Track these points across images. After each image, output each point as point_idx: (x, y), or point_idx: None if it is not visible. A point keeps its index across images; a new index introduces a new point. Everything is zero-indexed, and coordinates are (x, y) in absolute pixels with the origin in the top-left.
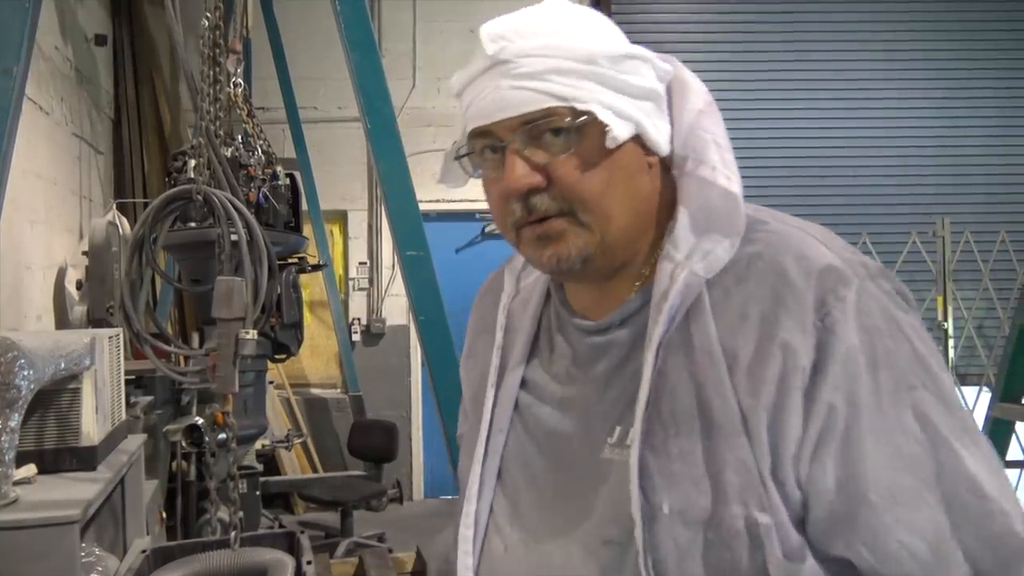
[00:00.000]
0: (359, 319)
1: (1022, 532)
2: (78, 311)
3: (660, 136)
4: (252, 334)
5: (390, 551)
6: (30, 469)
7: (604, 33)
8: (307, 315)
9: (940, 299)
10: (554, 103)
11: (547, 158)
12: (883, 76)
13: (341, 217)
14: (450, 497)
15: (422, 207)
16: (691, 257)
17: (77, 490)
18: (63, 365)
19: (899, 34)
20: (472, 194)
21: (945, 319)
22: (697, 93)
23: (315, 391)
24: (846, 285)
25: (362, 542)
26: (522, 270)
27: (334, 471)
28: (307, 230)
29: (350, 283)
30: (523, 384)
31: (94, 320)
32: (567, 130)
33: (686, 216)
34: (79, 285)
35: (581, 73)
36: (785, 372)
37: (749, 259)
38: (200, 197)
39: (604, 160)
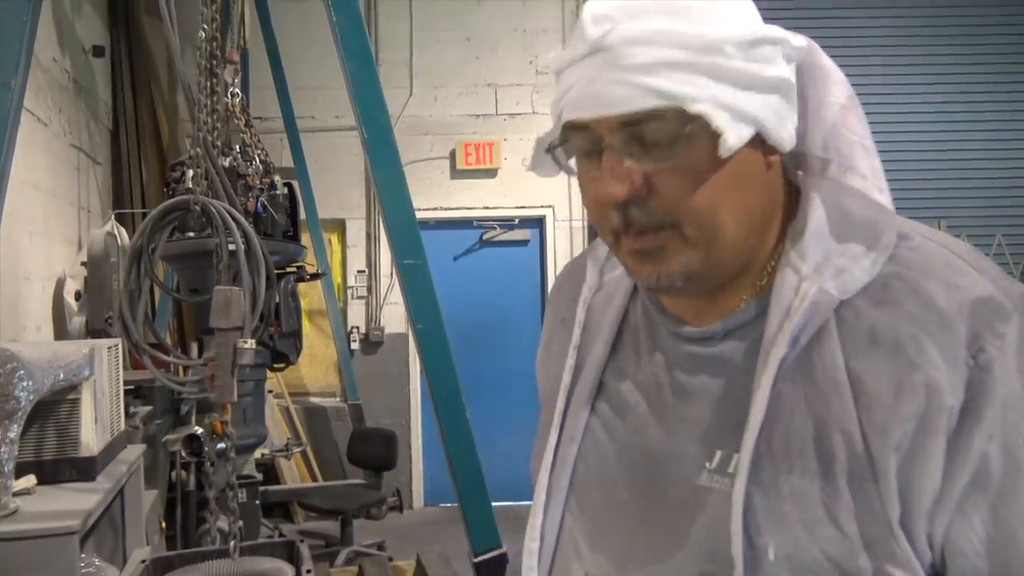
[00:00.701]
0: (358, 327)
1: None
2: (77, 322)
3: (786, 133)
4: (250, 343)
5: (390, 559)
6: (29, 480)
7: (733, 8)
8: (306, 324)
9: None
10: (661, 103)
11: (650, 164)
12: (881, 79)
13: (339, 226)
14: (449, 505)
15: (419, 215)
16: (821, 272)
17: (76, 500)
18: (62, 376)
19: (898, 38)
20: (469, 201)
21: None
22: (839, 84)
23: (314, 400)
24: (1005, 320)
25: (362, 551)
26: (607, 260)
27: (334, 480)
28: (305, 239)
29: (349, 291)
30: (602, 390)
31: (93, 331)
32: (674, 135)
33: (818, 223)
34: (78, 296)
35: (697, 67)
36: (927, 412)
37: (886, 279)
38: (198, 207)
39: (715, 169)
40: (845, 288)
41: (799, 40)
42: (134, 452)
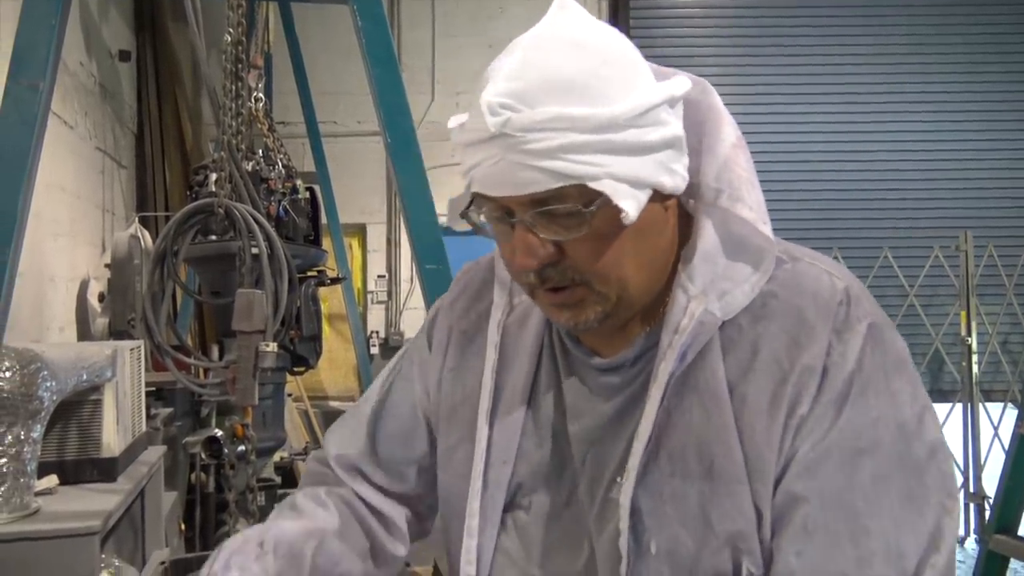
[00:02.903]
0: (377, 332)
1: None
2: (100, 323)
3: (680, 179)
4: (272, 347)
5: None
6: (51, 480)
7: (623, 78)
8: (326, 328)
9: (963, 314)
10: (564, 183)
11: (560, 235)
12: (907, 91)
13: (360, 230)
14: None
15: (441, 221)
16: (707, 293)
17: (98, 501)
18: (85, 377)
19: (924, 47)
20: None
21: (969, 334)
22: (730, 125)
23: (333, 403)
24: (860, 319)
25: None
26: (513, 285)
27: None
28: (326, 243)
29: (369, 296)
30: (526, 414)
31: (116, 332)
32: (579, 211)
33: (707, 248)
34: (101, 298)
35: (593, 146)
36: (794, 408)
37: (764, 298)
38: (221, 210)
39: (619, 231)
40: (728, 309)
41: (685, 85)
42: (155, 454)
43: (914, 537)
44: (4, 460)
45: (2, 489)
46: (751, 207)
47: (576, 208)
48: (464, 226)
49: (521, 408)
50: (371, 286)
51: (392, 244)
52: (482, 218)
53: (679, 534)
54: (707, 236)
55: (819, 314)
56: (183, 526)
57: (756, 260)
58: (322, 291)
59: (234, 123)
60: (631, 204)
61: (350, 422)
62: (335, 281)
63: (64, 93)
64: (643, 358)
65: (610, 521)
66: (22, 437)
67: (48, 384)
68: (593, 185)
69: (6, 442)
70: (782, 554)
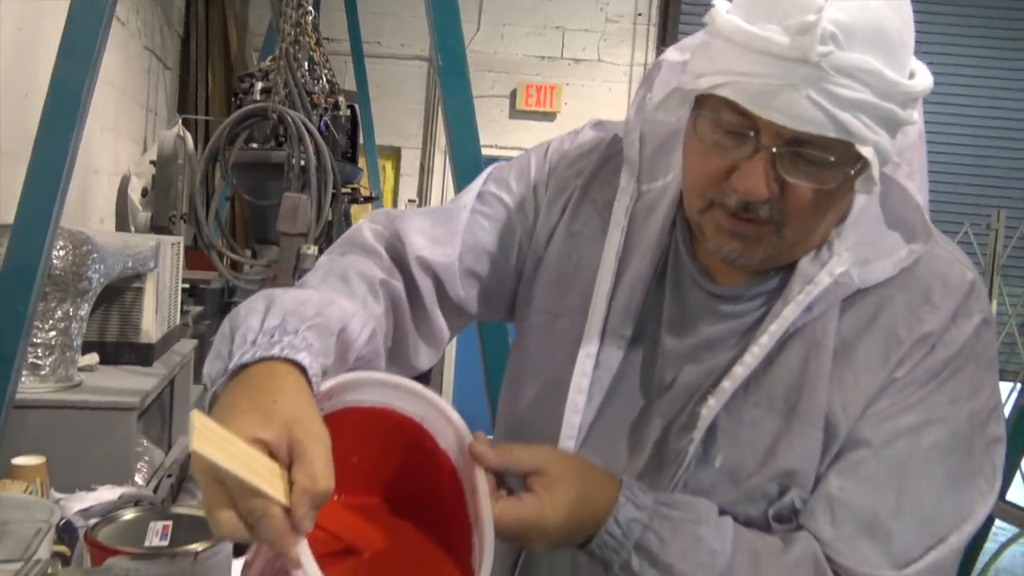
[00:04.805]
0: None
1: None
2: (142, 218)
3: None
4: (313, 249)
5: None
6: (93, 358)
7: (910, 47)
8: None
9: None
10: (842, 136)
11: (801, 178)
12: (940, 63)
13: (394, 154)
14: None
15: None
16: (851, 256)
17: (135, 381)
18: (130, 264)
19: (958, 18)
20: (526, 142)
21: None
22: (920, 115)
23: None
24: (976, 312)
25: None
26: (642, 170)
27: None
28: (361, 163)
29: None
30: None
31: (157, 227)
32: (833, 167)
33: (861, 212)
34: (144, 193)
35: (880, 112)
36: (893, 372)
37: (900, 272)
38: (275, 115)
39: (841, 193)
40: (865, 278)
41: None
42: (187, 346)
43: (949, 510)
44: (53, 334)
45: (50, 360)
46: (921, 191)
47: (836, 161)
48: (671, 113)
49: (639, 305)
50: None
51: (425, 171)
52: (698, 119)
53: (745, 456)
54: (869, 204)
55: (945, 297)
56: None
57: (908, 237)
58: (353, 209)
59: (293, 31)
60: (878, 177)
61: (444, 224)
62: (368, 200)
63: None
64: (759, 298)
65: (686, 430)
66: (71, 314)
67: (97, 267)
68: (861, 149)
69: (56, 317)
70: (827, 483)
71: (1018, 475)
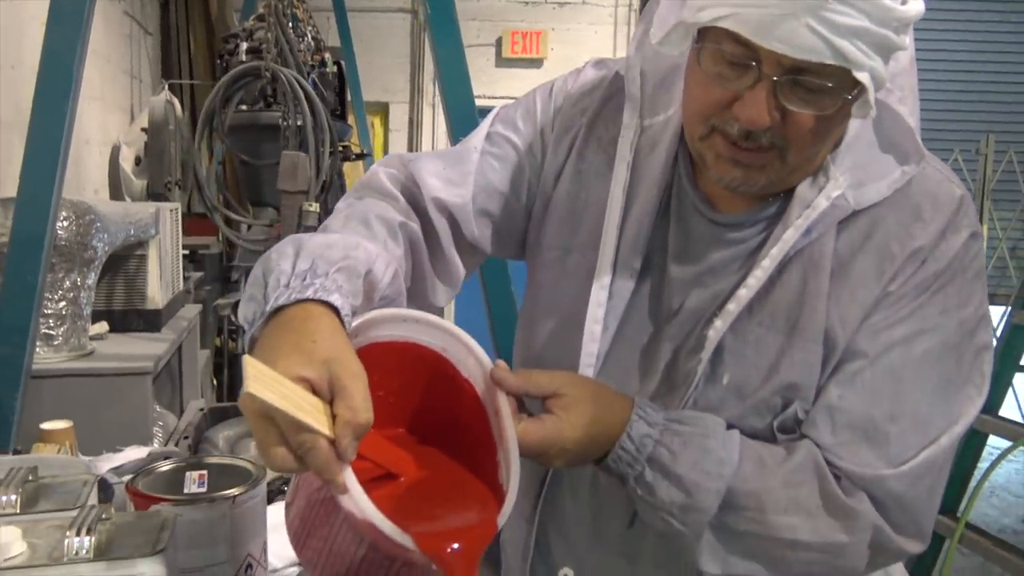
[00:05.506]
0: None
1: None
2: (137, 185)
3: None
4: (314, 207)
5: None
6: (102, 326)
7: None
8: None
9: None
10: (839, 63)
11: (800, 105)
12: None
13: (382, 109)
14: None
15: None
16: (846, 180)
17: (146, 347)
18: (132, 232)
19: None
20: (514, 91)
21: None
22: (912, 42)
23: None
24: (965, 227)
25: None
26: (644, 106)
27: None
28: (350, 120)
29: None
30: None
31: (153, 194)
32: (830, 92)
33: (855, 136)
34: (138, 161)
35: (877, 39)
36: (887, 286)
37: (894, 192)
38: (268, 74)
39: (839, 119)
40: (860, 199)
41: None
42: (192, 311)
43: (941, 413)
44: (63, 304)
45: (62, 329)
46: (913, 115)
47: (834, 88)
48: (673, 47)
49: (646, 238)
50: None
51: (414, 125)
52: (701, 51)
53: (750, 373)
54: (863, 128)
55: (935, 214)
56: (215, 381)
57: (901, 159)
58: (345, 167)
59: None
60: (873, 104)
61: (456, 165)
62: (359, 157)
63: None
64: (758, 224)
65: (694, 352)
66: (79, 283)
67: (101, 235)
68: (858, 75)
69: (64, 287)
70: (827, 393)
71: (1010, 391)
